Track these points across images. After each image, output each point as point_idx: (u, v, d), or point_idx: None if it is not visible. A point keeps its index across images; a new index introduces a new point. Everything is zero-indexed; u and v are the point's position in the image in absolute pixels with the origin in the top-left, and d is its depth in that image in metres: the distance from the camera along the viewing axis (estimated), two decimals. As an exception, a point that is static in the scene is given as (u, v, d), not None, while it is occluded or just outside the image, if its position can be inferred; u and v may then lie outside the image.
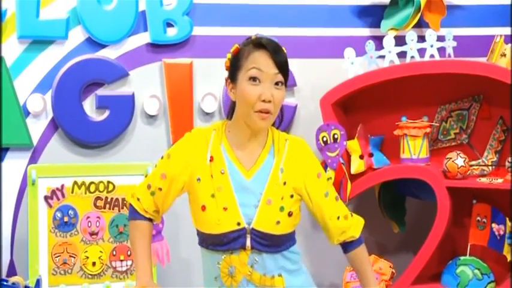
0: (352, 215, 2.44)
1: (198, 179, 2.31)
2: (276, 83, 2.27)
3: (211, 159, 2.32)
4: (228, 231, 2.27)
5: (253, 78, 2.25)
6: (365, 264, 2.45)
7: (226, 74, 2.38)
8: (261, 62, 2.25)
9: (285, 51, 2.32)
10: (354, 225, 2.43)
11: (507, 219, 3.64)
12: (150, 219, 2.41)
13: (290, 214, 2.30)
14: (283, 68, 2.28)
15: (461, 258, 3.71)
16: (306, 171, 2.34)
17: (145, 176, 3.19)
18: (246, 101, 2.26)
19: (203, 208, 2.29)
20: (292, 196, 2.32)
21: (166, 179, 2.35)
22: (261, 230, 2.27)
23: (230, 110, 2.40)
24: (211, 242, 2.31)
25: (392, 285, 3.78)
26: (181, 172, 2.33)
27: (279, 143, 2.35)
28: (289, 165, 2.33)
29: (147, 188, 2.39)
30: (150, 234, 2.40)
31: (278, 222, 2.28)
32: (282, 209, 2.28)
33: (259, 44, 2.29)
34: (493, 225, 3.67)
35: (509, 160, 3.64)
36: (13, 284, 3.31)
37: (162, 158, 2.39)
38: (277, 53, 2.27)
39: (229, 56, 2.36)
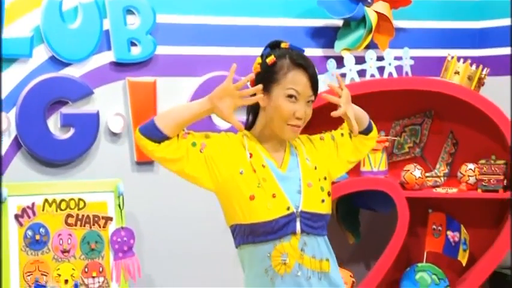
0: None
1: (241, 172, 2.37)
2: (308, 101, 2.42)
3: (251, 156, 2.41)
4: (279, 217, 2.34)
5: (291, 96, 2.37)
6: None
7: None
8: (300, 84, 2.38)
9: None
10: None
11: (461, 226, 3.88)
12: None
13: (329, 194, 2.45)
14: (317, 88, 2.44)
15: (419, 264, 3.91)
16: (316, 146, 2.52)
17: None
18: (281, 116, 2.38)
19: (252, 197, 2.35)
20: (325, 178, 2.46)
21: (203, 152, 2.35)
22: (310, 210, 2.38)
23: (252, 118, 2.49)
24: (262, 231, 2.35)
25: (354, 294, 3.94)
26: (218, 157, 2.36)
27: (294, 141, 2.50)
28: (308, 152, 2.48)
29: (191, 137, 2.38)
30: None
31: (323, 201, 2.41)
32: (322, 189, 2.42)
33: (299, 64, 2.39)
34: (448, 232, 3.90)
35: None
36: None
37: (200, 133, 2.40)
38: (314, 75, 2.42)
39: (259, 61, 2.43)
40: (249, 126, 2.50)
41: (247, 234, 2.39)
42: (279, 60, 2.40)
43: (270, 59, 2.40)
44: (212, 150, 2.37)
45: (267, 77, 2.40)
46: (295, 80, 2.38)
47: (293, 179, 2.42)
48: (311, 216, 2.39)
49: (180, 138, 2.36)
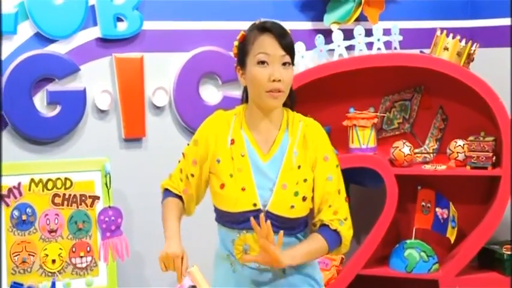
0: (346, 219, 2.41)
1: (218, 161, 2.40)
2: (284, 64, 2.36)
3: (232, 142, 2.41)
4: (244, 211, 2.35)
5: (262, 62, 2.34)
6: (306, 242, 2.39)
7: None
8: (267, 46, 2.34)
9: (289, 32, 2.40)
10: (337, 223, 2.39)
11: (450, 203, 3.87)
12: (181, 197, 2.51)
13: (304, 199, 2.37)
14: (289, 48, 2.37)
15: (408, 241, 3.91)
16: (316, 152, 2.39)
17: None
18: (256, 84, 2.34)
19: (222, 186, 2.38)
20: (305, 180, 2.37)
21: (197, 165, 2.45)
22: (276, 213, 2.35)
23: (243, 95, 2.48)
24: (228, 220, 2.41)
25: (342, 270, 3.94)
26: (206, 155, 2.43)
27: (293, 124, 2.42)
28: (302, 146, 2.39)
29: (180, 172, 2.49)
30: (179, 208, 2.49)
31: (292, 207, 2.35)
32: (296, 194, 2.36)
33: (264, 28, 2.37)
34: (437, 209, 3.89)
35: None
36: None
37: (188, 144, 2.50)
38: (282, 35, 2.36)
39: (236, 43, 2.44)
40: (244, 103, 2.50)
41: (219, 216, 2.46)
42: (248, 33, 2.41)
43: (240, 35, 2.43)
44: (200, 154, 2.45)
45: (240, 54, 2.41)
46: (262, 44, 2.35)
47: (270, 173, 2.38)
48: (277, 218, 2.36)
49: (185, 194, 2.50)
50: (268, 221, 2.28)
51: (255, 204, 2.36)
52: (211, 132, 2.45)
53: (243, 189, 2.36)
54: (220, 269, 2.50)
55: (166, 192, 2.54)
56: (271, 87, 2.34)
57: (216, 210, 2.46)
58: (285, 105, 2.45)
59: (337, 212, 2.40)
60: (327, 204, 2.39)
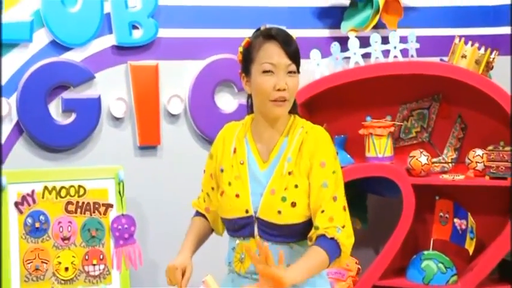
0: (344, 227, 2.29)
1: (221, 170, 2.43)
2: (289, 72, 2.32)
3: (235, 151, 2.41)
4: (238, 217, 2.36)
5: (267, 71, 2.31)
6: (304, 258, 2.26)
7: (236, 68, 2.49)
8: (273, 55, 2.31)
9: (295, 38, 2.36)
10: (333, 231, 2.28)
11: (469, 214, 3.80)
12: (204, 215, 2.56)
13: (293, 204, 2.30)
14: (294, 56, 2.33)
15: (425, 252, 3.84)
16: (312, 158, 2.32)
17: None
18: (261, 92, 2.32)
19: (221, 194, 2.41)
20: (296, 186, 2.31)
21: (213, 178, 2.48)
22: (264, 218, 2.33)
23: (248, 103, 2.48)
24: (227, 227, 2.44)
25: (359, 281, 3.88)
26: (217, 168, 2.47)
27: (294, 130, 2.38)
28: (298, 153, 2.34)
29: (202, 191, 2.55)
30: (202, 226, 2.53)
31: (279, 212, 2.31)
32: (284, 199, 2.31)
33: (269, 35, 2.34)
34: (455, 220, 3.82)
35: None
36: None
37: (207, 158, 2.53)
38: (287, 43, 2.32)
39: (240, 49, 2.42)
40: (250, 112, 2.49)
41: (224, 225, 2.50)
42: (253, 40, 2.38)
43: (244, 42, 2.40)
44: (214, 167, 2.49)
45: (245, 61, 2.38)
46: (267, 53, 2.32)
47: (264, 180, 2.36)
48: (267, 224, 2.33)
49: (208, 213, 2.56)
50: (266, 244, 2.23)
51: (247, 211, 2.35)
52: (220, 144, 2.47)
53: (237, 196, 2.37)
54: (224, 278, 2.50)
55: (195, 212, 2.61)
56: (276, 96, 2.31)
57: (221, 219, 2.50)
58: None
59: (332, 218, 2.28)
60: (320, 209, 2.29)
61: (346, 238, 2.30)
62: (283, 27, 2.40)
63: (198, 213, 2.59)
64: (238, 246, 2.39)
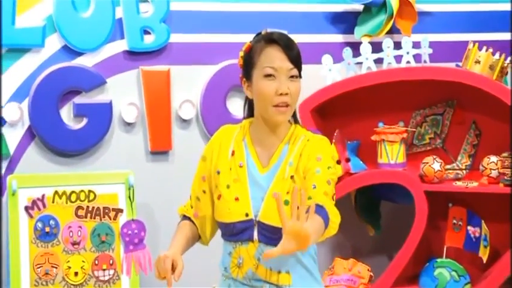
0: (329, 209, 2.20)
1: (218, 172, 2.38)
2: (291, 76, 2.30)
3: (233, 154, 2.38)
4: (237, 221, 2.32)
5: (269, 75, 2.29)
6: (310, 221, 2.07)
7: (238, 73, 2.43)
8: (274, 59, 2.29)
9: (296, 43, 2.34)
10: (320, 198, 2.20)
11: (482, 221, 3.75)
12: (192, 221, 2.46)
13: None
14: (296, 61, 2.31)
15: (438, 260, 3.79)
16: (309, 157, 2.30)
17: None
18: (263, 97, 2.29)
19: (219, 197, 2.36)
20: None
21: (206, 181, 2.42)
22: (266, 222, 2.30)
23: (247, 108, 2.44)
24: (224, 232, 2.38)
25: (371, 288, 3.85)
26: (211, 168, 2.41)
27: (296, 138, 2.36)
28: (299, 158, 2.31)
29: (190, 198, 2.48)
30: (190, 229, 2.43)
31: None
32: (286, 202, 2.27)
33: (271, 39, 2.31)
34: (469, 227, 3.77)
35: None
36: None
37: (199, 161, 2.47)
38: (289, 47, 2.30)
39: (241, 54, 2.39)
40: (247, 116, 2.45)
41: (220, 229, 2.43)
42: (254, 44, 2.35)
43: (246, 46, 2.38)
44: (208, 169, 2.42)
45: (246, 66, 2.35)
46: (269, 57, 2.29)
47: (264, 184, 2.33)
48: (268, 227, 2.30)
49: (196, 218, 2.46)
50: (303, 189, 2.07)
51: (247, 214, 2.32)
52: (216, 146, 2.42)
53: (237, 199, 2.33)
54: (219, 283, 2.46)
55: (182, 217, 2.52)
56: (278, 101, 2.29)
57: (217, 223, 2.44)
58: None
59: (327, 193, 2.23)
60: (311, 185, 2.24)
61: (332, 208, 2.23)
62: (285, 32, 2.37)
63: (185, 217, 2.48)
64: (236, 250, 2.35)
